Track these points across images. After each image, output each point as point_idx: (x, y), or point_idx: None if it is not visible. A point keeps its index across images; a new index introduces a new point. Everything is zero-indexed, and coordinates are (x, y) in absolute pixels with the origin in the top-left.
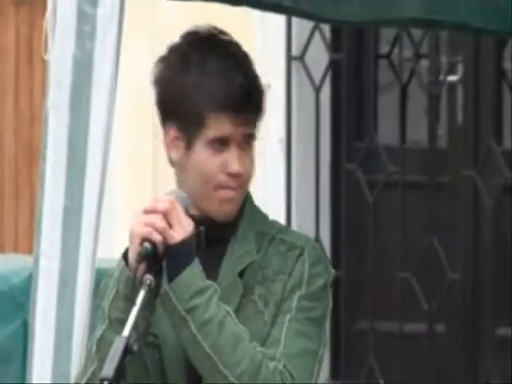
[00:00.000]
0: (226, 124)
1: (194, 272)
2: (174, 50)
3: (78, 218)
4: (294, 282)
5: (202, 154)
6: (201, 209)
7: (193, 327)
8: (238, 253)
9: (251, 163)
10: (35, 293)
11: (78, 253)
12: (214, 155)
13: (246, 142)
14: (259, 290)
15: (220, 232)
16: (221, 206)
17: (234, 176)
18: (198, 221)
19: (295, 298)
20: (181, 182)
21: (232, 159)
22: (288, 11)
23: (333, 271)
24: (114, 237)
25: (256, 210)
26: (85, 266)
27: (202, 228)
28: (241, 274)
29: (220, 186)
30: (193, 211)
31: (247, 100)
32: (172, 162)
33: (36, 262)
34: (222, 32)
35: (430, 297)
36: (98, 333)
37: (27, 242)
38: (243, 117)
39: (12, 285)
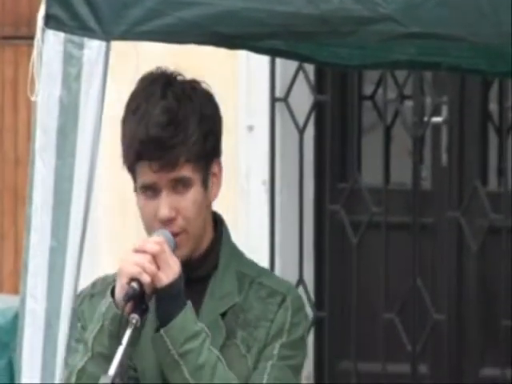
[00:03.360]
0: (149, 172)
1: (187, 316)
2: (130, 95)
3: (63, 259)
4: (275, 329)
5: (141, 202)
6: None
7: (185, 372)
8: (220, 293)
9: (195, 202)
10: (21, 333)
11: (61, 293)
12: (148, 202)
13: (179, 185)
14: (241, 333)
15: (197, 272)
16: None
17: (165, 222)
18: None
19: (277, 345)
20: None
21: (160, 206)
22: (284, 55)
23: (310, 318)
24: (97, 275)
25: (234, 248)
26: (68, 305)
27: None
28: (222, 315)
29: None
30: None
31: (160, 148)
32: None
33: (22, 302)
34: (177, 74)
35: (414, 337)
36: (80, 363)
37: (12, 283)
38: (163, 163)
39: None
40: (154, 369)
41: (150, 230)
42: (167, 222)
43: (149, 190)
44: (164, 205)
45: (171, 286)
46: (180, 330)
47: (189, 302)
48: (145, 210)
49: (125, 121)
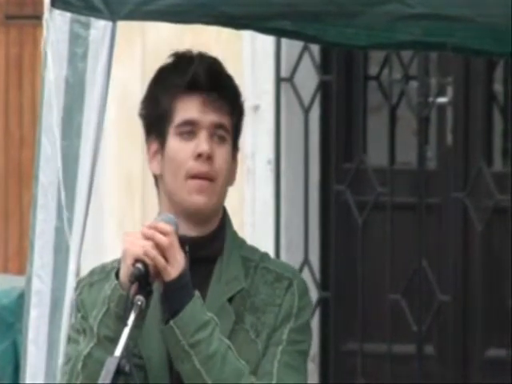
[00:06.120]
0: (193, 106)
1: (196, 306)
2: (155, 72)
3: (68, 239)
4: (284, 314)
5: (174, 144)
6: (178, 206)
7: (196, 362)
8: (227, 277)
9: (226, 160)
10: (27, 313)
11: (66, 273)
12: (184, 143)
13: (217, 133)
14: (250, 318)
15: (204, 251)
16: (191, 197)
17: (203, 158)
18: (182, 241)
19: (286, 330)
20: (160, 190)
21: (201, 142)
22: (291, 35)
23: (313, 302)
24: (103, 254)
25: (236, 234)
26: (71, 285)
27: (186, 249)
28: (229, 300)
29: (191, 176)
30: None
31: (212, 81)
32: (154, 174)
33: (28, 283)
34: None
35: (419, 318)
36: (86, 350)
37: (17, 264)
38: (210, 100)
39: (1, 306)
40: (160, 356)
41: (179, 175)
42: (205, 160)
43: (186, 132)
44: (205, 141)
45: (179, 277)
46: (189, 320)
47: (197, 292)
48: (180, 152)
49: (155, 83)
